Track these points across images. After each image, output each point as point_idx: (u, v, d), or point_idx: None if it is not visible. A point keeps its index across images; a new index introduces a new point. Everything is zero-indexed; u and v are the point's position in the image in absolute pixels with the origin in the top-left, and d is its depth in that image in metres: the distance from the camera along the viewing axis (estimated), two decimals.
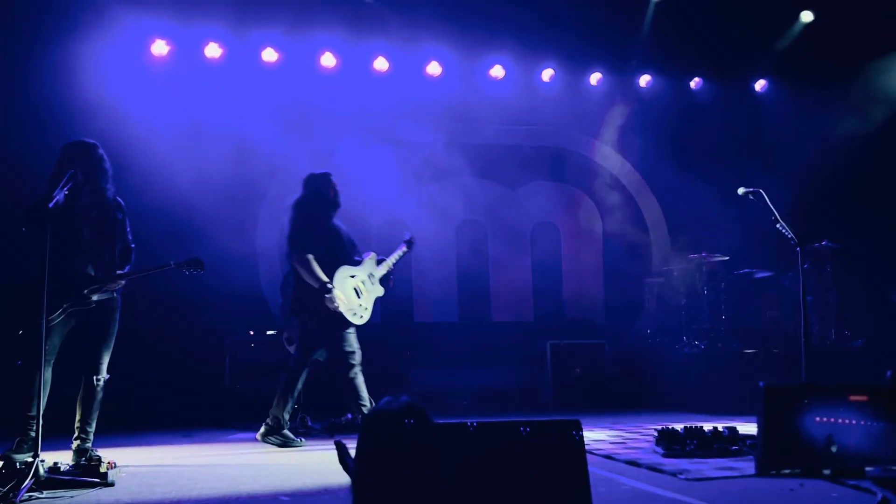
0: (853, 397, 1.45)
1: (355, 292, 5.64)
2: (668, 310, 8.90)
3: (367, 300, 5.73)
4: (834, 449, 1.45)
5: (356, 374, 5.62)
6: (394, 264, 6.05)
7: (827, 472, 1.47)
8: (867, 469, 1.51)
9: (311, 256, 5.46)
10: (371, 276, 5.80)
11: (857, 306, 8.47)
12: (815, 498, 3.45)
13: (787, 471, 1.47)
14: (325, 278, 5.47)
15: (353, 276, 5.66)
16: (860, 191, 9.11)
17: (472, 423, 2.41)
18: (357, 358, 5.64)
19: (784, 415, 1.46)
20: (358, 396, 5.62)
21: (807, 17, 8.90)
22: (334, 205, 5.71)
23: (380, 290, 5.89)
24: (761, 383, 1.45)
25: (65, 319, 4.50)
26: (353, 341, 5.63)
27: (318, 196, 5.65)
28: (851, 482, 3.46)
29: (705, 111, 9.71)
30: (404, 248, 6.20)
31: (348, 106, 8.92)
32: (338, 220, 5.80)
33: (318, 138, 8.91)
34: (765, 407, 1.45)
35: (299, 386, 5.72)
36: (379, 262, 5.98)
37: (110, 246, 4.71)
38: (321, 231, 5.59)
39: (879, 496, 3.21)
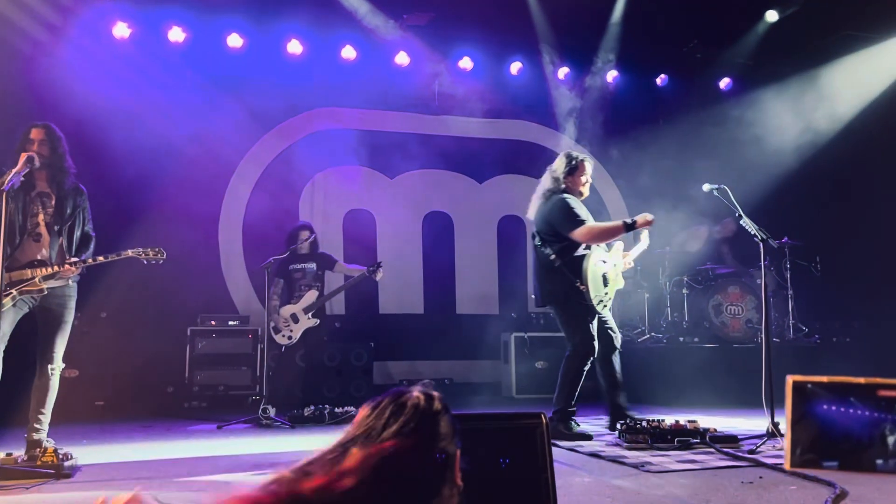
0: (882, 392, 1.48)
1: (603, 279, 5.36)
2: (631, 304, 8.99)
3: (612, 290, 5.44)
4: (892, 441, 1.48)
5: (586, 367, 5.32)
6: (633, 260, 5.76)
7: (833, 463, 1.50)
8: (878, 462, 1.54)
9: (586, 224, 5.23)
10: (616, 265, 5.53)
11: (814, 303, 8.65)
12: (774, 490, 3.50)
13: (808, 463, 1.50)
14: (614, 222, 5.27)
15: (604, 262, 5.40)
16: (819, 189, 9.29)
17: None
18: (593, 351, 5.30)
19: (810, 409, 1.49)
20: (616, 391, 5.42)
21: (771, 16, 9.01)
22: (580, 193, 5.54)
23: (621, 282, 5.58)
24: (788, 377, 1.47)
25: (15, 307, 4.37)
26: (593, 331, 5.31)
27: (571, 177, 5.48)
28: (811, 475, 3.53)
29: (671, 107, 9.79)
30: (644, 245, 5.80)
31: (314, 95, 8.83)
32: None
33: (282, 127, 8.82)
34: (792, 402, 1.48)
35: (584, 374, 5.36)
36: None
37: (67, 232, 4.57)
38: (579, 208, 5.36)
39: (838, 489, 3.27)
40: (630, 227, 5.19)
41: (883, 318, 8.05)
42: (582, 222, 5.25)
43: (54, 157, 4.52)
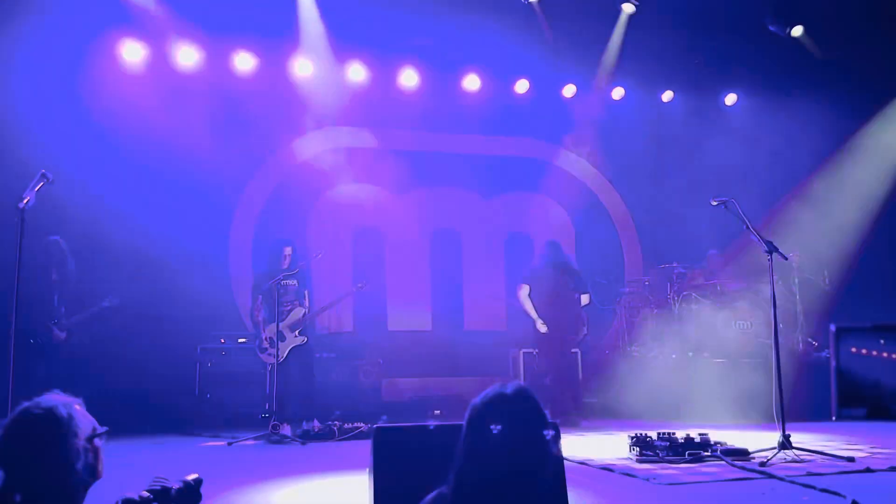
0: None
1: None
2: (639, 319, 8.98)
3: None
4: None
5: None
6: None
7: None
8: None
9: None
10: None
11: (823, 317, 8.61)
12: (785, 502, 3.50)
13: (856, 411, 1.52)
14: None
15: None
16: (827, 203, 9.30)
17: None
18: None
19: (855, 357, 1.51)
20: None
21: (797, 31, 8.99)
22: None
23: None
24: (832, 326, 1.49)
25: None
26: None
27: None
28: (821, 486, 3.52)
29: (677, 124, 9.83)
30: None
31: (323, 114, 8.86)
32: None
33: (292, 146, 8.88)
34: (836, 349, 1.50)
35: None
36: None
37: None
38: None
39: (849, 500, 3.27)
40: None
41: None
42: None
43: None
